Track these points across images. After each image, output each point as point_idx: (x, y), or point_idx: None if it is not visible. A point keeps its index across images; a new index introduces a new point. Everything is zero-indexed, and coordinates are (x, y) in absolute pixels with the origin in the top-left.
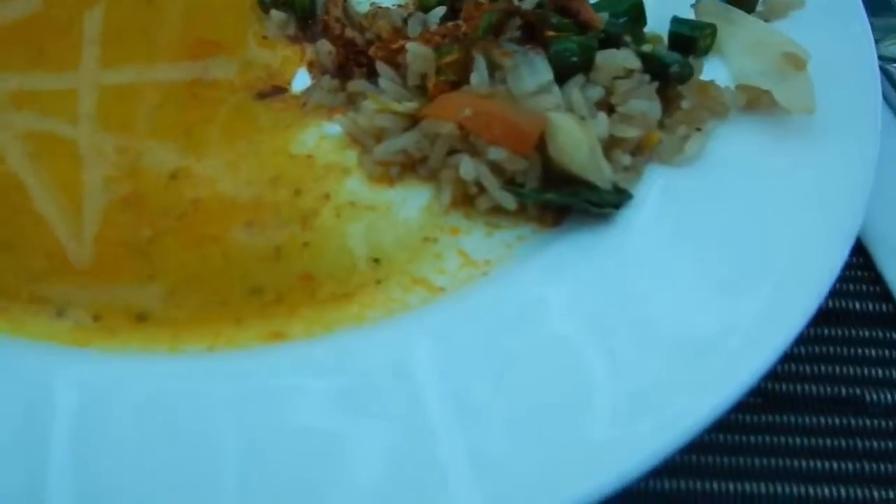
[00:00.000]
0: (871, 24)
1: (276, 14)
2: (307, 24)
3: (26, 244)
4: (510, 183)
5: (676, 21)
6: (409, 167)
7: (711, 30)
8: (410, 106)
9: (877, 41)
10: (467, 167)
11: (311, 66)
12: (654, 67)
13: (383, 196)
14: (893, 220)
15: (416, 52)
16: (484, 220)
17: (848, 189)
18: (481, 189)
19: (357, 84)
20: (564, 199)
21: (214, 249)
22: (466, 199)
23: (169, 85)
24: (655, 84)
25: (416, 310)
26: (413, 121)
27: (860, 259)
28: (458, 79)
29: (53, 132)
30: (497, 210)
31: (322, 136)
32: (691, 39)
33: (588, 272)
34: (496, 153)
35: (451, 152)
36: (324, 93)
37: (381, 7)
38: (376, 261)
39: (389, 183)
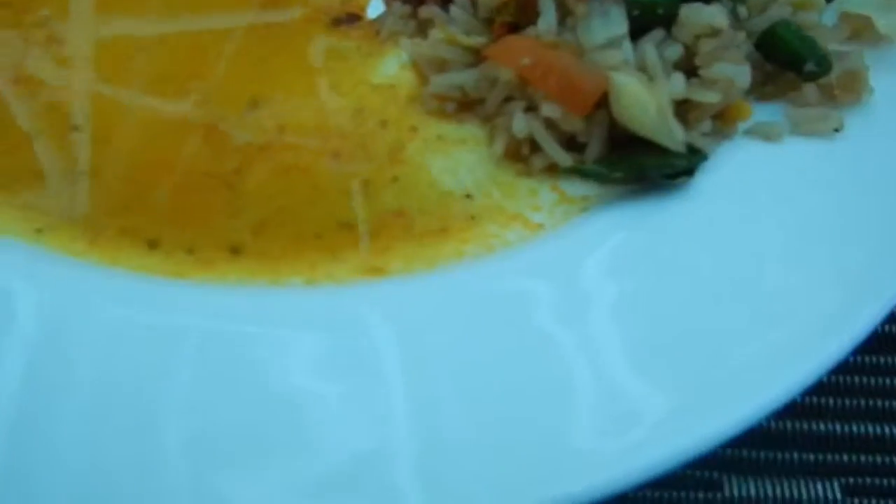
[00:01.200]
0: None
1: None
2: None
3: (110, 172)
4: (571, 142)
5: None
6: (466, 106)
7: None
8: (478, 40)
9: None
10: (520, 123)
11: None
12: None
13: (472, 129)
14: None
15: None
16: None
17: None
18: (535, 146)
19: (429, 10)
20: (629, 176)
21: (302, 180)
22: (519, 153)
23: (239, 5)
24: (747, 46)
25: (515, 246)
26: (479, 57)
27: None
28: (520, 21)
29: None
30: (555, 167)
31: (402, 66)
32: None
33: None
34: (551, 110)
35: (508, 99)
36: (396, 19)
37: None
38: (468, 196)
39: (444, 118)
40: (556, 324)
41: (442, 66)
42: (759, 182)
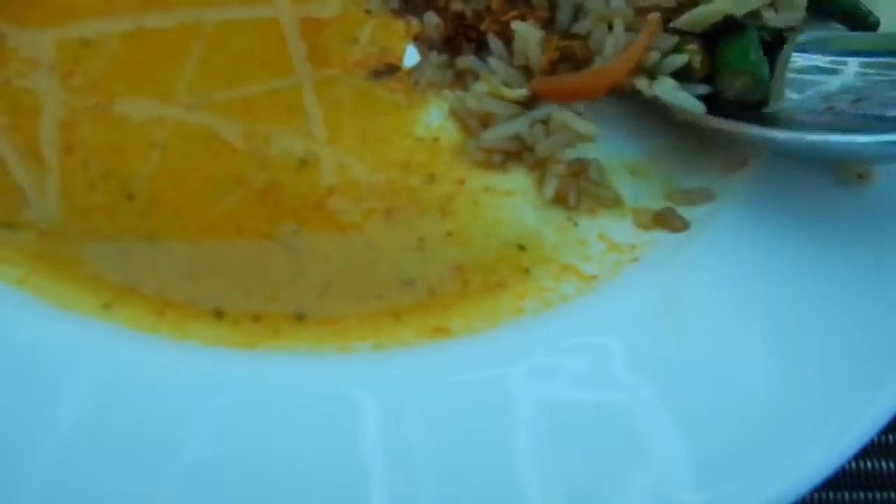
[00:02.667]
0: None
1: None
2: None
3: (170, 238)
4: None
5: None
6: (515, 155)
7: None
8: (520, 93)
9: None
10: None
11: (417, 40)
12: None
13: (518, 180)
14: None
15: (522, 33)
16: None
17: None
18: (583, 186)
19: (466, 60)
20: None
21: (358, 239)
22: (567, 198)
23: (282, 66)
24: None
25: (574, 301)
26: (521, 105)
27: None
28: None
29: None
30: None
31: (445, 117)
32: None
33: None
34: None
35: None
36: (433, 69)
37: None
38: (521, 248)
39: (490, 169)
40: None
41: (487, 119)
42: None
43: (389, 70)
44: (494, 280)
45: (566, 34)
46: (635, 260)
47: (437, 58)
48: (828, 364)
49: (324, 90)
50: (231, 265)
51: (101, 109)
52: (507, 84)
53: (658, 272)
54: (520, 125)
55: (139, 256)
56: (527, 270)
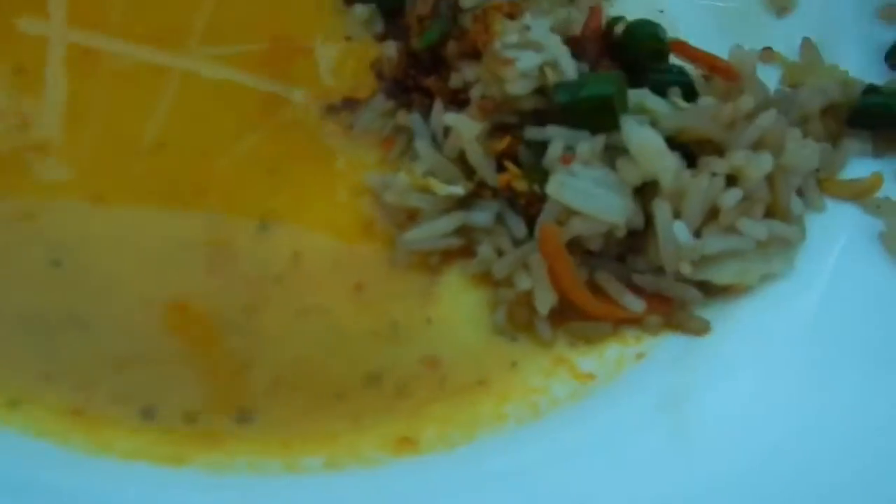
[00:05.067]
0: None
1: (359, 9)
2: (396, 20)
3: (105, 321)
4: None
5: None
6: (456, 254)
7: None
8: (453, 191)
9: None
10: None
11: (375, 70)
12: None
13: None
14: None
15: (457, 125)
16: None
17: None
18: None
19: (405, 118)
20: None
21: (322, 322)
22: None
23: (244, 102)
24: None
25: (564, 406)
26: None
27: None
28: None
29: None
30: None
31: None
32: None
33: None
34: None
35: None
36: (374, 116)
37: (498, 5)
38: (511, 338)
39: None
40: None
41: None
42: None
43: (346, 105)
44: (476, 377)
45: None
46: (640, 357)
47: (381, 103)
48: None
49: (281, 134)
50: (169, 351)
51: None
52: (434, 172)
53: (666, 376)
54: (448, 224)
55: (60, 339)
56: (514, 364)
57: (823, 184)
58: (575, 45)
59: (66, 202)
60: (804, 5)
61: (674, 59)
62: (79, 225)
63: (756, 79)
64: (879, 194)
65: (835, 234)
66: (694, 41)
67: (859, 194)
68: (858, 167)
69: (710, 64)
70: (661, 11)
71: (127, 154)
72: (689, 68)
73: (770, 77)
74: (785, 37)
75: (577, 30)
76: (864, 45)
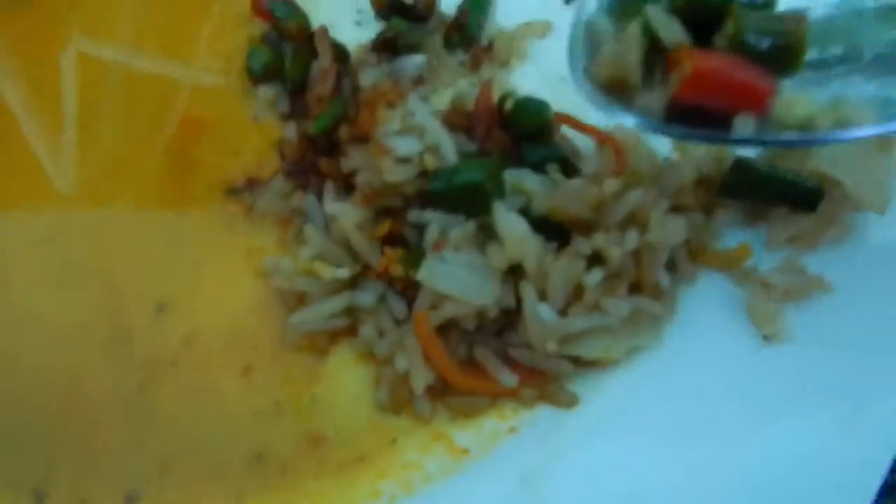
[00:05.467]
0: None
1: (264, 91)
2: (301, 99)
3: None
4: None
5: None
6: (343, 334)
7: None
8: (339, 273)
9: None
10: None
11: (278, 150)
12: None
13: None
14: None
15: (338, 213)
16: None
17: None
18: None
19: (300, 200)
20: None
21: (210, 404)
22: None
23: (148, 179)
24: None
25: (436, 481)
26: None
27: None
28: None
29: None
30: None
31: None
32: None
33: None
34: None
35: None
36: (274, 197)
37: (387, 89)
38: (394, 414)
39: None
40: None
41: (302, 299)
42: None
43: (248, 186)
44: (357, 453)
45: (392, 210)
46: (513, 430)
47: (281, 184)
48: None
49: (185, 211)
50: (63, 431)
51: None
52: (324, 258)
53: (533, 450)
54: (334, 305)
55: None
56: (395, 441)
57: (696, 254)
58: (468, 121)
59: None
60: None
61: None
62: None
63: (642, 149)
64: (749, 264)
65: (706, 304)
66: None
67: (729, 264)
68: (732, 237)
69: (597, 136)
70: (563, 79)
71: (25, 242)
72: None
73: (663, 142)
74: None
75: (472, 104)
76: None
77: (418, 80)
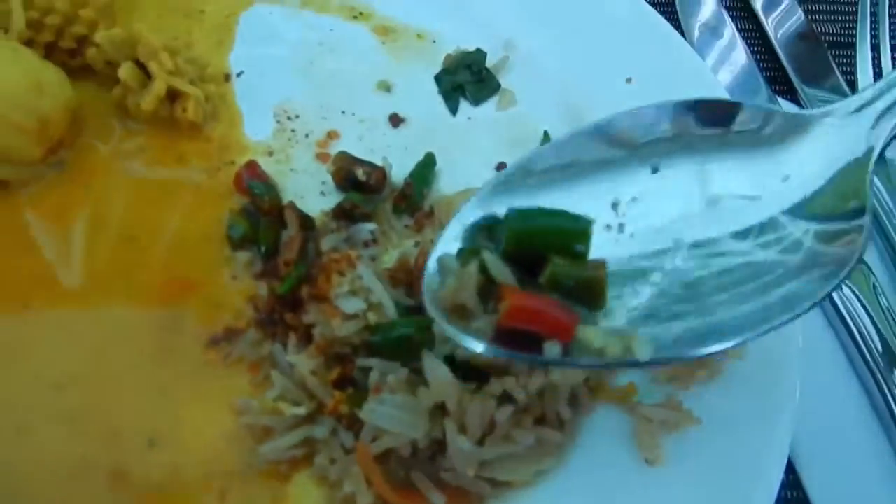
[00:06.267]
0: None
1: (241, 255)
2: (272, 262)
3: None
4: None
5: None
6: (304, 461)
7: None
8: (297, 412)
9: None
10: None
11: (252, 305)
12: None
13: None
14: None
15: (298, 363)
16: None
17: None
18: None
19: (268, 348)
20: None
21: None
22: None
23: (140, 334)
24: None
25: None
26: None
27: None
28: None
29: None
30: None
31: None
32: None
33: None
34: None
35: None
36: (246, 346)
37: (340, 257)
38: None
39: (281, 481)
40: None
41: (268, 432)
42: None
43: (227, 336)
44: None
45: (343, 357)
46: None
47: (253, 334)
48: None
49: (173, 363)
50: None
51: None
52: (286, 398)
53: None
54: (294, 438)
55: None
56: None
57: (593, 389)
58: (410, 277)
59: None
60: None
61: None
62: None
63: None
64: (635, 398)
65: (601, 431)
66: None
67: (620, 399)
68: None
69: None
70: None
71: (42, 388)
72: None
73: None
74: None
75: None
76: None
77: (370, 243)
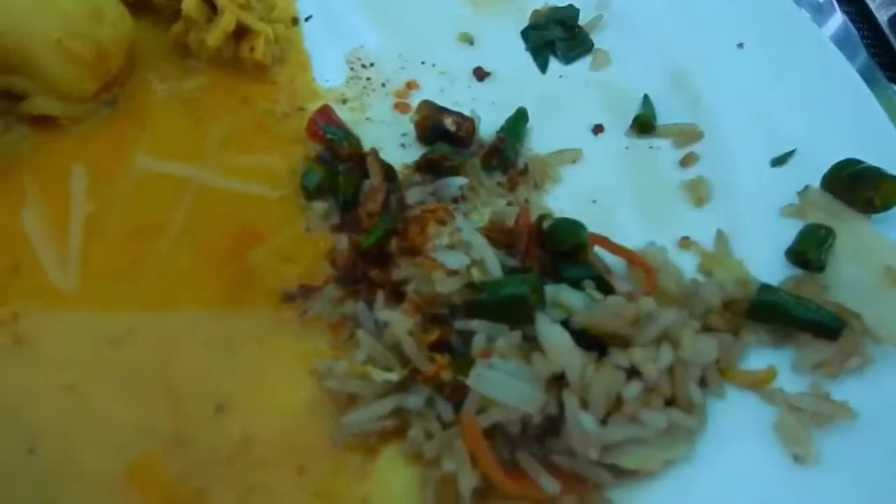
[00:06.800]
0: None
1: (317, 205)
2: (352, 214)
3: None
4: None
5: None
6: (392, 434)
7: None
8: (389, 377)
9: None
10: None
11: (329, 259)
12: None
13: None
14: None
15: (392, 321)
16: None
17: None
18: None
19: (350, 307)
20: None
21: (265, 502)
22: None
23: (209, 289)
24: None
25: None
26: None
27: None
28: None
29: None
30: None
31: None
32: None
33: None
34: None
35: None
36: (325, 303)
37: (437, 207)
38: None
39: (367, 456)
40: None
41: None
42: None
43: (302, 293)
44: None
45: (440, 318)
46: None
47: (332, 292)
48: None
49: (243, 318)
50: None
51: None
52: (375, 362)
53: None
54: (384, 407)
55: None
56: None
57: (724, 372)
58: (507, 238)
59: (40, 390)
60: (718, 199)
61: None
62: (51, 413)
63: (670, 269)
64: (776, 385)
65: (735, 420)
66: (622, 230)
67: (756, 384)
68: (759, 357)
69: (627, 257)
70: (595, 202)
71: (96, 344)
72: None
73: (689, 262)
74: (703, 226)
75: (510, 222)
76: (769, 239)
77: (459, 199)
